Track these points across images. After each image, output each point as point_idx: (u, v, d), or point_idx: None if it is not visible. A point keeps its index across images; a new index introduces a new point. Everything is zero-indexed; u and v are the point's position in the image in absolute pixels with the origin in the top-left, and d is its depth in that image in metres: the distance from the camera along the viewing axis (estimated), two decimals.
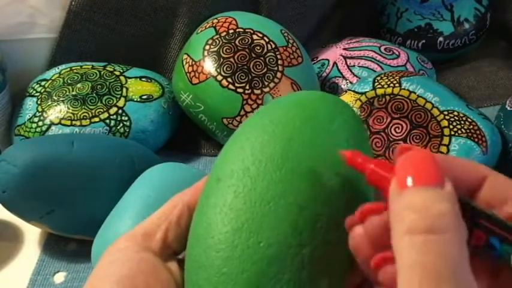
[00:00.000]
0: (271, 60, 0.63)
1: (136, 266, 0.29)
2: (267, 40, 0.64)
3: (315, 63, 0.74)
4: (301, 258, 0.26)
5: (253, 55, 0.63)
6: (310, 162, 0.27)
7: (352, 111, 0.31)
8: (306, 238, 0.26)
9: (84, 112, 0.61)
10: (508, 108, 0.62)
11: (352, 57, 0.72)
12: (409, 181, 0.23)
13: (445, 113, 0.58)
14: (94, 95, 0.62)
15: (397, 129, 0.58)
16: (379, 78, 0.63)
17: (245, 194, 0.27)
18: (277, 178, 0.27)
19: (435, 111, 0.58)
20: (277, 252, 0.26)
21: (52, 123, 0.60)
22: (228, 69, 0.62)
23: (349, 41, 0.75)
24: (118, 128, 0.61)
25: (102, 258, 0.30)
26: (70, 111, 0.61)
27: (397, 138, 0.58)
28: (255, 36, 0.64)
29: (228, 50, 0.63)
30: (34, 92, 0.63)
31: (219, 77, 0.62)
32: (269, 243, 0.26)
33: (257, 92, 0.62)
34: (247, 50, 0.63)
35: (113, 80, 0.64)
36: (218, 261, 0.26)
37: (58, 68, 0.66)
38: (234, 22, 0.65)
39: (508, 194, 0.26)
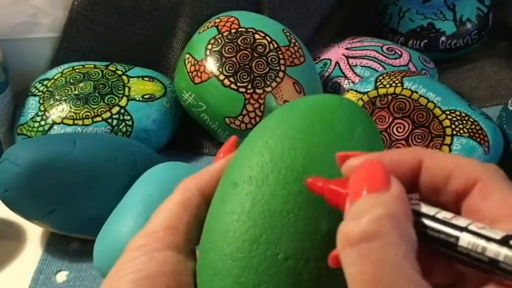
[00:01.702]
0: (274, 59, 0.63)
1: (159, 267, 0.27)
2: (269, 40, 0.64)
3: (317, 62, 0.74)
4: (318, 272, 0.26)
5: (256, 55, 0.63)
6: (329, 175, 0.26)
7: (370, 118, 0.31)
8: (324, 252, 0.25)
9: (87, 111, 0.61)
10: (510, 108, 0.62)
11: (354, 57, 0.72)
12: (357, 193, 0.22)
13: (447, 112, 0.58)
14: (96, 94, 0.63)
15: (399, 129, 0.58)
16: (381, 77, 0.63)
17: (264, 202, 0.26)
18: (298, 189, 0.26)
19: (437, 111, 0.58)
20: (294, 265, 0.25)
21: (54, 123, 0.61)
22: (230, 68, 0.62)
23: (351, 41, 0.75)
24: (120, 127, 0.61)
25: (122, 256, 0.28)
26: (72, 110, 0.61)
27: (399, 138, 0.58)
28: (257, 36, 0.64)
29: (230, 50, 0.63)
30: (36, 91, 0.64)
31: (221, 77, 0.62)
32: (287, 255, 0.25)
33: (259, 91, 0.62)
34: (249, 49, 0.63)
35: (115, 79, 0.64)
36: (235, 270, 0.26)
37: (60, 68, 0.66)
38: (236, 22, 0.65)
39: (447, 170, 0.24)
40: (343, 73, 0.71)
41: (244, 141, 0.30)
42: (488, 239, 0.21)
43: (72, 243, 0.56)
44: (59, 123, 0.60)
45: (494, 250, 0.21)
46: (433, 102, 0.59)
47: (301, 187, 0.26)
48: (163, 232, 0.28)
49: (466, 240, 0.22)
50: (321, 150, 0.27)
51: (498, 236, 0.21)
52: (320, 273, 0.26)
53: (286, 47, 0.64)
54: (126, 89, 0.64)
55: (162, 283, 0.27)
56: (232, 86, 0.62)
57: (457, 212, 0.24)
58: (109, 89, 0.63)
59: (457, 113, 0.58)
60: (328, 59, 0.73)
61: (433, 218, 0.23)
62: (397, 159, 0.25)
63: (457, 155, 0.25)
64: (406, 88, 0.60)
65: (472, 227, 0.22)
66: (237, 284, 0.26)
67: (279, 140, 0.28)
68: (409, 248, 0.21)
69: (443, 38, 0.78)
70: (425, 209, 0.23)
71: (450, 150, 0.56)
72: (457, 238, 0.22)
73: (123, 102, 0.63)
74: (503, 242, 0.21)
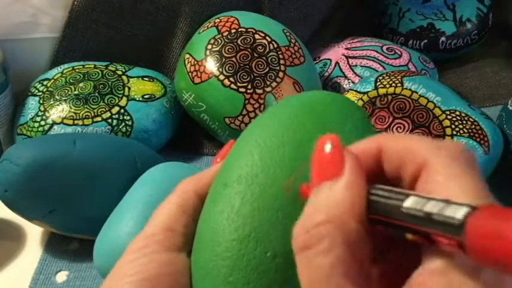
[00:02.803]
0: (273, 59, 0.63)
1: (159, 268, 0.27)
2: (269, 40, 0.64)
3: (317, 62, 0.74)
4: None
5: (255, 55, 0.63)
6: None
7: (363, 113, 0.30)
8: None
9: (87, 111, 0.61)
10: (510, 108, 0.62)
11: (354, 57, 0.72)
12: (315, 183, 0.23)
13: (447, 112, 0.58)
14: (96, 94, 0.63)
15: (399, 129, 0.58)
16: (381, 77, 0.63)
17: (253, 201, 0.26)
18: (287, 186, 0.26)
19: (437, 111, 0.58)
20: (283, 263, 0.25)
21: (54, 123, 0.61)
22: (230, 68, 0.62)
23: (351, 41, 0.75)
24: (120, 127, 0.61)
25: (121, 258, 0.28)
26: (72, 110, 0.61)
27: None
28: (257, 36, 0.64)
29: (230, 50, 0.63)
30: (36, 91, 0.64)
31: (221, 77, 0.62)
32: (275, 253, 0.25)
33: (259, 91, 0.62)
34: (249, 49, 0.63)
35: (115, 79, 0.64)
36: (224, 269, 0.26)
37: (60, 68, 0.66)
38: (236, 22, 0.65)
39: (402, 155, 0.23)
40: (343, 73, 0.71)
41: (237, 141, 0.30)
42: (430, 199, 0.21)
43: (72, 243, 0.56)
44: (59, 123, 0.60)
45: (433, 205, 0.20)
46: (433, 102, 0.59)
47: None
48: (162, 234, 0.28)
49: (410, 201, 0.21)
50: (312, 146, 0.27)
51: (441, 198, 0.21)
52: None
53: (286, 47, 0.64)
54: (126, 89, 0.64)
55: (163, 284, 0.27)
56: (232, 86, 0.62)
57: None
58: (109, 89, 0.63)
59: (457, 113, 0.58)
60: (328, 59, 0.73)
61: (383, 189, 0.23)
62: (362, 148, 0.24)
63: (413, 137, 0.24)
64: (406, 88, 0.60)
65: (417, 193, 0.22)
66: (226, 283, 0.26)
67: (269, 138, 0.28)
68: (347, 251, 0.21)
69: (443, 38, 0.78)
70: (379, 186, 0.23)
71: None
72: (403, 199, 0.21)
73: (123, 102, 0.63)
74: (445, 200, 0.20)
